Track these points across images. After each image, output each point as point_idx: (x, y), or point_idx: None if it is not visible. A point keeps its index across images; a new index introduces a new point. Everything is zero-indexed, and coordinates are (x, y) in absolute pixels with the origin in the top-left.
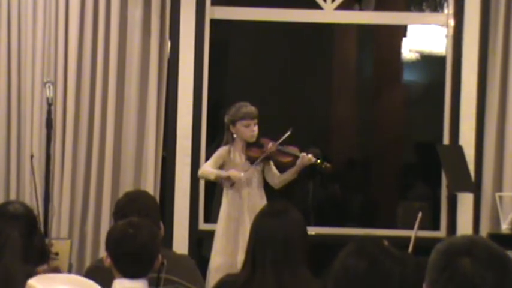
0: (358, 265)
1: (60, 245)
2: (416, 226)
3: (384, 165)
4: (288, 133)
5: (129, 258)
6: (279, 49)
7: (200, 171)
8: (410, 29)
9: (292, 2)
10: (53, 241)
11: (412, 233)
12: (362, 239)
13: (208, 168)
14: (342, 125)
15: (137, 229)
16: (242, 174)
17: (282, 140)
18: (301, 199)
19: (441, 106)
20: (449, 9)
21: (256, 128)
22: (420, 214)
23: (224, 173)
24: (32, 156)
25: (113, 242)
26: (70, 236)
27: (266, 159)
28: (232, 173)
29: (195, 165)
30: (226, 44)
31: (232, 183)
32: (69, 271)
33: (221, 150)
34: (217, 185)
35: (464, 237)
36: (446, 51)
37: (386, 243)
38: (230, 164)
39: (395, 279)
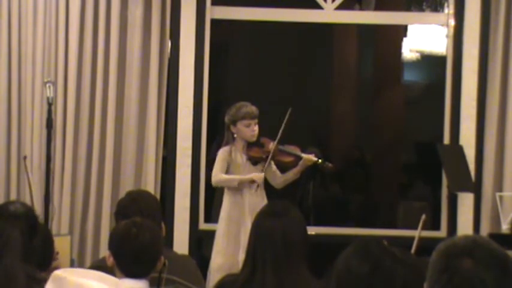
0: (361, 266)
1: (60, 242)
2: (419, 228)
3: (384, 165)
4: (282, 130)
5: (131, 257)
6: (279, 49)
7: (215, 179)
8: (411, 29)
9: (292, 2)
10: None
11: (415, 234)
12: (364, 239)
13: (225, 176)
14: (342, 125)
15: (140, 229)
16: (263, 174)
17: (279, 137)
18: (301, 199)
19: (441, 106)
20: (449, 9)
21: (256, 128)
22: (424, 216)
23: (247, 177)
24: (24, 157)
25: (116, 241)
26: (71, 235)
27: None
28: (255, 175)
29: (195, 165)
30: (227, 44)
31: (257, 185)
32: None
33: (223, 152)
34: None
35: (466, 238)
36: (447, 51)
37: (385, 243)
38: (232, 165)
39: (398, 280)
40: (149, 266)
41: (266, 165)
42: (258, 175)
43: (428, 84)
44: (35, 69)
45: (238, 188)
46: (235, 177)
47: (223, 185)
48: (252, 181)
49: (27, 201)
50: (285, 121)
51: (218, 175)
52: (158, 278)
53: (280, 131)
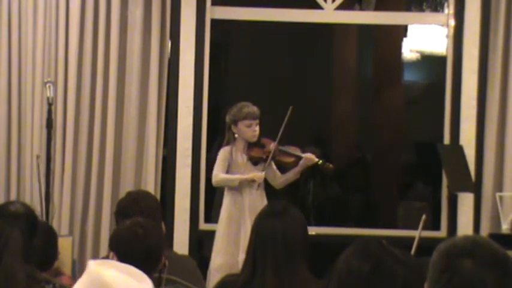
0: (361, 266)
1: (61, 243)
2: (420, 228)
3: (384, 165)
4: (282, 129)
5: (137, 258)
6: (279, 49)
7: (216, 179)
8: (411, 29)
9: (292, 2)
10: None
11: (416, 234)
12: (365, 239)
13: (226, 176)
14: (342, 125)
15: (146, 230)
16: (263, 173)
17: (279, 137)
18: (302, 199)
19: (441, 106)
20: (449, 9)
21: (257, 128)
22: (424, 217)
23: (247, 177)
24: (37, 156)
25: (122, 242)
26: (71, 235)
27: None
28: (256, 174)
29: (195, 165)
30: (227, 44)
31: (258, 184)
32: (73, 268)
33: (224, 152)
34: None
35: (466, 238)
36: (447, 51)
37: (384, 242)
38: (232, 165)
39: (398, 280)
40: (153, 266)
41: (266, 165)
42: (258, 174)
43: (428, 84)
44: (35, 69)
45: (239, 188)
46: (236, 176)
47: (224, 184)
48: (253, 180)
49: (29, 201)
50: (285, 120)
51: (219, 175)
52: (158, 278)
53: (281, 130)
